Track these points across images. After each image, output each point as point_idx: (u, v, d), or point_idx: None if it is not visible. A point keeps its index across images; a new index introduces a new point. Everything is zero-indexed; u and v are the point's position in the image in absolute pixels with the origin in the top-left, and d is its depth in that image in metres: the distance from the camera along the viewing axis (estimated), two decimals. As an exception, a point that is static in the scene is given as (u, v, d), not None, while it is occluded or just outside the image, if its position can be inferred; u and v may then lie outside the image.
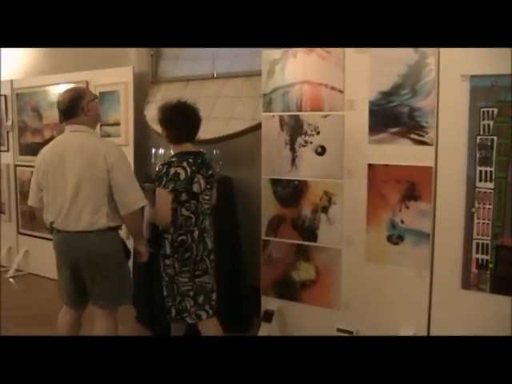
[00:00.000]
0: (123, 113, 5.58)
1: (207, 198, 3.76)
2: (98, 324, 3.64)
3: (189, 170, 3.59)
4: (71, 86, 6.04)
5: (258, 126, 4.49)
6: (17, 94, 6.88)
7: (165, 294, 3.79)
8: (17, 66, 7.52)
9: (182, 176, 3.56)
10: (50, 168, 3.53)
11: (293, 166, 4.21)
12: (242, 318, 4.76)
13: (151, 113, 5.56)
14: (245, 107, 4.87)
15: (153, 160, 4.96)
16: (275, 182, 4.32)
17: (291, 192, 4.25)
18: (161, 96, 5.62)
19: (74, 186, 3.45)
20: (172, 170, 3.55)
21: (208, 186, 3.75)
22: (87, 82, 6.01)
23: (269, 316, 4.46)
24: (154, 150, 4.97)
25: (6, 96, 7.02)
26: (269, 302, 4.49)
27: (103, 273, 3.54)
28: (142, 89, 5.78)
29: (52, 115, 6.36)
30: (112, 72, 5.76)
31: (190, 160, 3.63)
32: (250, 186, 4.85)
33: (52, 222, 3.60)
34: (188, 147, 3.72)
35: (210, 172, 3.79)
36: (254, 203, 4.60)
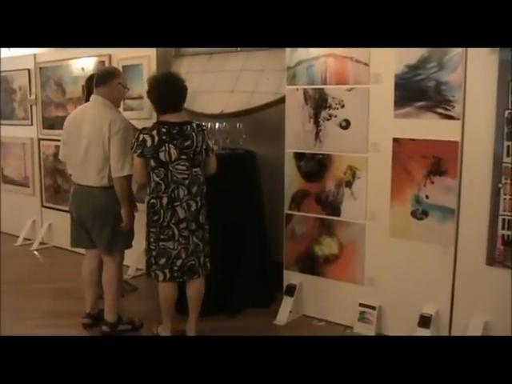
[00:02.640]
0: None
1: (182, 168, 3.82)
2: (104, 268, 4.28)
3: (157, 138, 3.75)
4: (94, 59, 6.11)
5: (282, 100, 4.45)
6: (40, 68, 6.87)
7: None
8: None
9: (149, 143, 3.74)
10: (71, 129, 4.22)
11: (317, 140, 4.18)
12: (266, 292, 4.77)
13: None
14: (268, 80, 4.82)
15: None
16: (299, 156, 4.30)
17: (315, 166, 4.23)
18: (184, 69, 5.58)
19: (84, 148, 4.10)
20: (141, 137, 3.77)
21: (183, 157, 3.80)
22: (110, 56, 5.99)
23: (291, 290, 4.48)
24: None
25: (29, 70, 7.02)
26: (292, 276, 4.50)
27: (101, 222, 4.14)
28: (166, 62, 5.74)
29: (75, 89, 6.35)
30: (135, 45, 5.73)
31: (163, 130, 3.78)
32: (273, 160, 4.83)
33: (71, 174, 4.34)
34: (169, 117, 3.86)
35: (187, 143, 3.80)
36: (277, 177, 4.58)
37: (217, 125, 4.80)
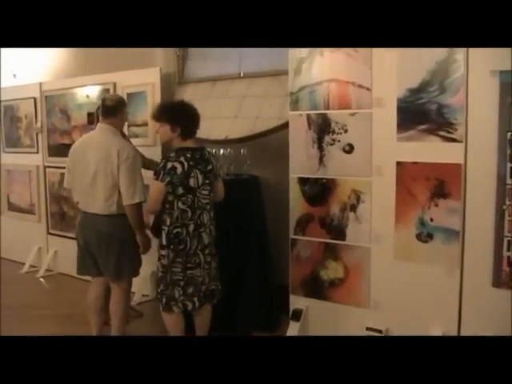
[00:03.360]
0: (150, 114, 5.58)
1: (205, 192, 3.91)
2: (112, 294, 4.34)
3: (186, 164, 3.79)
4: (99, 87, 6.17)
5: (286, 125, 4.48)
6: (45, 97, 6.95)
7: (160, 283, 3.97)
8: (45, 68, 7.63)
9: (179, 170, 3.76)
10: (77, 157, 4.28)
11: (321, 164, 4.20)
12: (271, 317, 4.77)
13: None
14: (272, 106, 4.87)
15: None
16: (303, 181, 4.31)
17: (319, 190, 4.24)
18: (188, 96, 5.63)
19: (91, 175, 4.15)
20: (169, 165, 3.77)
21: (207, 181, 3.90)
22: (115, 84, 6.05)
23: (298, 315, 4.46)
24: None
25: (35, 98, 7.10)
26: (297, 301, 4.49)
27: (108, 250, 4.18)
28: (169, 89, 5.80)
29: (80, 117, 6.41)
30: (139, 73, 5.79)
31: (188, 155, 3.83)
32: (277, 184, 4.85)
33: (77, 202, 4.34)
34: (189, 143, 3.93)
35: (209, 167, 3.92)
36: (281, 202, 4.59)
37: (221, 150, 4.84)
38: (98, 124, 4.33)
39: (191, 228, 3.84)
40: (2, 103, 7.74)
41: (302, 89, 4.26)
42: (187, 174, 3.78)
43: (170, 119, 3.90)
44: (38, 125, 7.04)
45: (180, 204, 3.82)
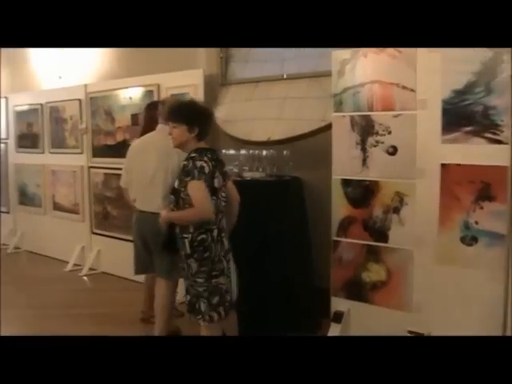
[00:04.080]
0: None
1: (224, 194, 3.75)
2: (158, 290, 4.43)
3: (210, 164, 3.60)
4: (141, 89, 6.23)
5: (328, 127, 4.47)
6: (90, 98, 7.05)
7: (186, 295, 3.78)
8: (90, 70, 7.73)
9: (206, 170, 3.56)
10: (136, 157, 4.47)
11: (364, 166, 4.18)
12: (311, 319, 4.75)
13: (221, 114, 5.62)
14: (314, 107, 4.86)
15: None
16: (346, 183, 4.29)
17: (362, 192, 4.22)
18: (230, 97, 5.67)
19: (151, 174, 4.30)
20: (198, 164, 3.55)
21: (224, 183, 3.75)
22: (158, 85, 6.11)
23: (339, 317, 4.44)
24: (224, 151, 5.01)
25: (80, 100, 7.21)
26: (339, 303, 4.46)
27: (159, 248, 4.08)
28: (212, 91, 5.83)
29: (124, 118, 6.51)
30: (182, 75, 5.84)
31: (209, 155, 3.65)
32: (319, 186, 4.83)
33: (134, 200, 4.47)
34: (204, 144, 3.76)
35: (225, 169, 3.80)
36: (323, 204, 4.58)
37: (264, 152, 4.84)
38: (159, 125, 4.49)
39: (215, 233, 3.65)
40: (48, 105, 7.89)
41: (345, 90, 4.24)
42: (212, 175, 3.60)
43: (187, 120, 3.70)
44: (83, 126, 7.15)
45: None
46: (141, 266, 4.61)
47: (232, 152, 4.97)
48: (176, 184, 3.68)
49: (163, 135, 4.16)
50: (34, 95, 8.42)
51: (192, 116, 3.72)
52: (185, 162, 3.63)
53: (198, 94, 5.62)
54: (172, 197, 3.71)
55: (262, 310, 4.47)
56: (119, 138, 6.53)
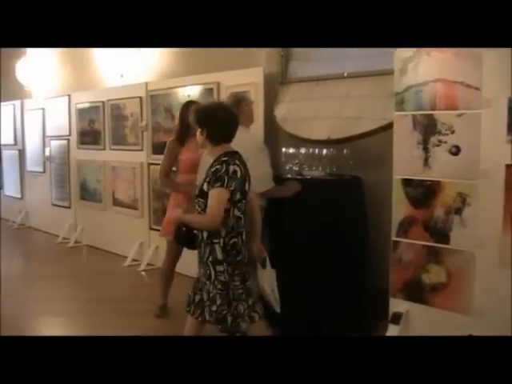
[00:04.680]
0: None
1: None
2: None
3: (242, 167, 3.58)
4: (200, 87, 6.28)
5: (389, 126, 4.42)
6: (151, 96, 7.14)
7: (219, 302, 3.61)
8: (151, 68, 7.83)
9: (239, 174, 3.53)
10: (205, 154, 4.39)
11: (425, 166, 4.11)
12: (369, 320, 4.72)
13: (281, 113, 5.62)
14: (375, 107, 4.82)
15: (283, 159, 5.01)
16: (407, 183, 4.23)
17: (423, 192, 4.15)
18: (290, 96, 5.66)
19: None
20: (231, 168, 3.50)
21: (250, 186, 3.73)
22: (218, 83, 6.15)
23: (397, 318, 4.39)
24: (284, 150, 5.01)
25: (141, 98, 7.31)
26: (397, 304, 4.41)
27: None
28: (272, 89, 5.83)
29: (184, 115, 6.57)
30: (243, 73, 5.87)
31: (239, 158, 3.64)
32: (380, 186, 4.79)
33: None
34: (229, 148, 3.68)
35: (249, 172, 3.73)
36: (383, 203, 4.53)
37: (324, 151, 4.82)
38: None
39: (244, 236, 3.65)
40: (110, 102, 8.03)
41: (407, 89, 4.18)
42: (244, 178, 3.59)
43: (197, 122, 3.72)
44: (144, 123, 7.25)
45: (236, 211, 3.58)
46: None
47: (292, 151, 4.96)
48: (205, 187, 3.58)
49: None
50: (95, 93, 8.60)
51: (201, 118, 3.70)
52: (218, 166, 3.55)
53: (258, 93, 5.64)
54: (201, 200, 3.62)
55: (319, 310, 4.46)
56: (178, 135, 6.58)
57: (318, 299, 4.45)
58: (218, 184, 3.46)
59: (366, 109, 4.90)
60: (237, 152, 3.69)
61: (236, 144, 3.98)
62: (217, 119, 3.66)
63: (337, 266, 4.57)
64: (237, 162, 3.57)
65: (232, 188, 3.48)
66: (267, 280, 3.90)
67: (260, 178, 4.19)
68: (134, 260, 7.34)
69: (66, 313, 5.54)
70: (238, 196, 3.55)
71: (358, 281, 4.68)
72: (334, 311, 4.56)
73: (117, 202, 7.89)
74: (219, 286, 3.59)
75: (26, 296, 6.24)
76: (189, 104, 5.09)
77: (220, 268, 3.57)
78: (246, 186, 3.62)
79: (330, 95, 5.24)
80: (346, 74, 5.29)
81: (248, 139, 4.38)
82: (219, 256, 3.57)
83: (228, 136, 3.68)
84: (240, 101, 4.67)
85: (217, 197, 3.47)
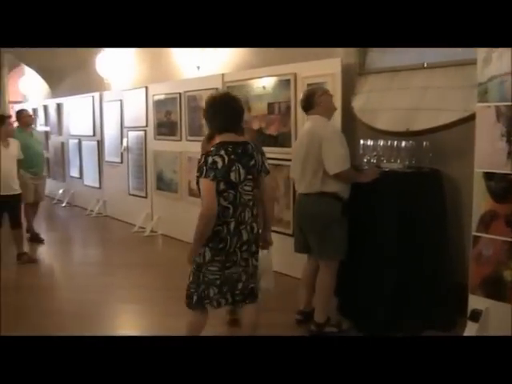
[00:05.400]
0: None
1: (248, 188, 3.71)
2: (319, 272, 4.73)
3: (226, 158, 3.59)
4: (278, 78, 6.27)
5: (472, 118, 4.30)
6: (227, 87, 7.17)
7: (190, 280, 3.80)
8: (227, 60, 7.87)
9: (220, 164, 3.56)
10: (296, 146, 4.94)
11: (509, 159, 3.97)
12: (446, 316, 4.61)
13: (358, 104, 5.55)
14: (456, 98, 4.70)
15: (361, 151, 4.95)
16: (489, 176, 4.11)
17: (506, 187, 4.02)
18: (368, 87, 5.59)
19: (302, 158, 4.62)
20: (210, 159, 3.56)
21: (249, 177, 3.69)
22: (295, 75, 6.12)
23: (476, 316, 4.27)
24: (362, 142, 4.95)
25: (217, 89, 7.33)
26: (476, 301, 4.30)
27: (312, 228, 4.66)
28: (350, 80, 5.77)
29: (260, 107, 6.58)
30: (320, 64, 5.81)
31: (230, 149, 3.63)
32: (460, 179, 4.69)
33: (294, 181, 5.02)
34: (230, 137, 3.72)
35: (252, 162, 3.71)
36: (464, 197, 4.43)
37: (402, 143, 4.73)
38: (310, 116, 4.75)
39: (232, 226, 3.67)
40: (186, 94, 8.11)
41: (491, 79, 4.05)
42: (228, 168, 3.59)
43: (203, 111, 3.86)
44: (220, 114, 7.28)
45: (222, 200, 3.62)
46: (297, 245, 4.97)
47: (370, 142, 4.89)
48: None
49: (312, 124, 4.67)
50: (172, 85, 8.71)
51: (205, 108, 3.82)
52: (200, 157, 3.68)
53: (335, 84, 5.58)
54: (199, 189, 3.73)
55: (394, 303, 4.40)
56: (255, 126, 6.59)
57: (395, 294, 4.38)
58: (199, 174, 3.60)
59: (446, 100, 4.79)
60: (234, 142, 3.72)
61: (310, 131, 4.59)
62: (211, 110, 3.77)
63: (415, 260, 4.49)
64: (222, 152, 3.61)
65: (211, 178, 3.54)
66: (263, 261, 4.02)
67: (333, 159, 4.43)
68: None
69: (139, 300, 5.66)
70: (221, 186, 3.60)
71: (437, 275, 4.58)
72: (412, 306, 4.48)
73: (192, 193, 7.92)
74: (194, 266, 3.77)
75: (104, 283, 6.45)
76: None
77: (200, 250, 3.70)
78: (232, 176, 3.61)
79: (409, 86, 5.14)
80: (425, 65, 5.17)
81: (322, 127, 4.57)
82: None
83: (223, 127, 3.75)
84: (314, 92, 4.77)
85: (203, 186, 3.61)
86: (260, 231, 3.91)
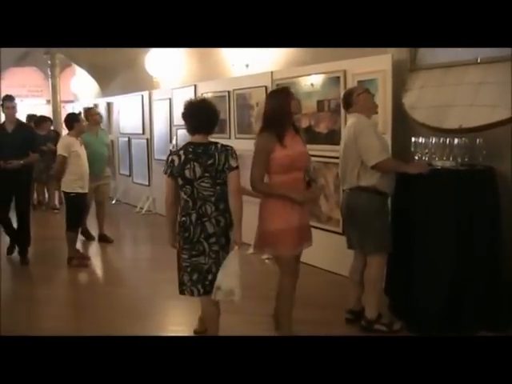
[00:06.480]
0: (381, 101, 5.51)
1: (206, 185, 4.05)
2: (367, 267, 4.74)
3: (183, 157, 4.05)
4: (328, 75, 6.23)
5: (529, 114, 4.20)
6: (276, 85, 7.14)
7: (177, 265, 4.30)
8: (276, 57, 7.86)
9: (176, 162, 4.06)
10: (340, 144, 4.94)
11: None
12: (500, 317, 4.51)
13: (410, 101, 5.47)
14: (510, 94, 4.57)
15: (412, 149, 4.87)
16: (544, 173, 4.01)
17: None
18: (420, 83, 5.50)
19: (343, 155, 4.80)
20: (170, 158, 4.12)
21: (206, 174, 4.03)
22: (345, 71, 6.07)
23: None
24: (413, 139, 4.87)
25: (266, 87, 7.35)
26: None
27: (353, 223, 4.77)
28: (401, 76, 5.68)
29: (309, 104, 6.55)
30: (370, 60, 5.75)
31: (190, 149, 4.09)
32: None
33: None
34: (197, 138, 4.15)
35: (210, 161, 4.04)
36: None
37: (455, 140, 4.63)
38: (351, 114, 4.88)
39: (194, 217, 4.07)
40: (235, 92, 8.13)
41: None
42: (183, 166, 4.03)
43: (181, 114, 4.23)
44: (269, 112, 7.27)
45: (182, 194, 4.11)
46: (348, 241, 4.94)
47: (421, 140, 4.81)
48: None
49: (351, 121, 4.79)
50: (221, 83, 8.74)
51: (183, 112, 4.23)
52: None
53: (386, 80, 5.52)
54: None
55: (447, 304, 4.33)
56: (304, 123, 6.56)
57: (449, 292, 4.31)
58: (163, 170, 4.18)
59: (501, 96, 4.66)
60: (198, 143, 4.11)
61: (348, 129, 4.76)
62: (187, 114, 4.19)
63: (468, 259, 4.41)
64: (180, 152, 4.09)
65: (168, 174, 4.11)
66: (227, 260, 4.09)
67: (369, 151, 4.50)
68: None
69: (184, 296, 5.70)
70: (180, 181, 4.08)
71: (491, 274, 4.48)
72: (466, 306, 4.40)
73: (243, 191, 7.92)
74: (177, 254, 4.29)
75: (154, 278, 6.58)
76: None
77: (178, 239, 4.21)
78: (187, 173, 4.02)
79: (462, 82, 5.04)
80: (479, 60, 5.05)
81: (356, 123, 4.65)
82: (177, 229, 4.21)
83: (193, 129, 4.17)
84: (353, 91, 4.86)
85: (164, 181, 4.18)
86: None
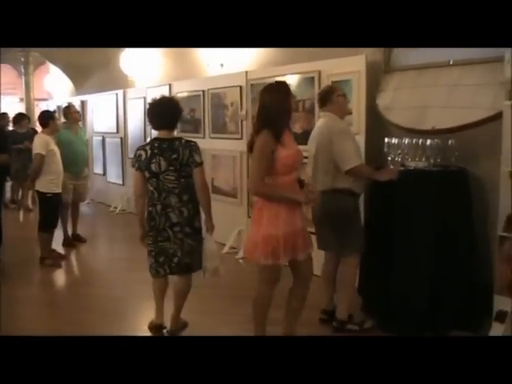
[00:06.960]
0: (355, 102, 5.56)
1: (171, 178, 4.37)
2: (340, 268, 4.79)
3: (149, 152, 4.38)
4: (299, 76, 6.24)
5: (499, 116, 4.25)
6: (251, 85, 7.16)
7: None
8: (251, 57, 7.87)
9: (143, 157, 4.39)
10: (309, 143, 4.85)
11: (537, 158, 3.93)
12: (472, 317, 4.56)
13: (384, 102, 5.51)
14: (484, 96, 4.63)
15: (385, 149, 4.90)
16: (516, 175, 4.06)
17: (534, 186, 3.98)
18: (393, 85, 5.54)
19: (314, 155, 4.71)
20: (137, 153, 4.45)
21: (171, 168, 4.35)
22: (319, 72, 6.10)
23: (502, 316, 4.23)
24: (386, 140, 4.90)
25: (241, 87, 7.35)
26: (502, 302, 4.25)
27: (326, 225, 4.71)
28: (375, 78, 5.72)
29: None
30: (344, 61, 5.77)
31: (156, 145, 4.40)
32: (487, 178, 4.63)
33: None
34: (162, 134, 4.47)
35: (174, 156, 4.34)
36: (490, 197, 4.38)
37: (428, 141, 4.67)
38: (321, 113, 4.93)
39: (159, 208, 4.43)
40: (210, 91, 8.12)
41: (519, 77, 4.01)
42: (149, 160, 4.36)
43: (147, 111, 4.60)
44: (243, 112, 7.29)
45: (149, 186, 4.43)
46: (318, 241, 4.85)
47: (395, 141, 4.84)
48: None
49: (324, 121, 4.77)
50: (196, 82, 8.73)
51: (148, 110, 4.59)
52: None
53: (360, 81, 5.55)
54: None
55: (423, 304, 4.38)
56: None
57: (425, 292, 4.36)
58: (131, 164, 4.57)
59: (473, 98, 4.72)
60: (163, 139, 4.42)
61: (321, 128, 4.71)
62: (151, 112, 4.51)
63: (440, 259, 4.44)
64: (147, 147, 4.42)
65: (135, 168, 4.46)
66: (206, 244, 4.55)
67: (345, 156, 4.49)
68: (232, 248, 7.42)
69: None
70: (147, 175, 4.40)
71: (462, 275, 4.52)
72: (438, 306, 4.44)
73: (216, 190, 7.92)
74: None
75: (127, 278, 6.57)
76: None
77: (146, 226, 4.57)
78: (153, 167, 4.35)
79: (436, 84, 5.09)
80: (451, 62, 5.10)
81: (332, 124, 4.64)
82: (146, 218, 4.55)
83: (155, 125, 4.53)
84: (334, 90, 4.85)
85: (133, 174, 4.53)
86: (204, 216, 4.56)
